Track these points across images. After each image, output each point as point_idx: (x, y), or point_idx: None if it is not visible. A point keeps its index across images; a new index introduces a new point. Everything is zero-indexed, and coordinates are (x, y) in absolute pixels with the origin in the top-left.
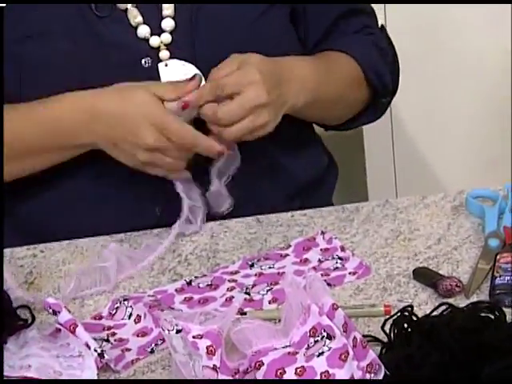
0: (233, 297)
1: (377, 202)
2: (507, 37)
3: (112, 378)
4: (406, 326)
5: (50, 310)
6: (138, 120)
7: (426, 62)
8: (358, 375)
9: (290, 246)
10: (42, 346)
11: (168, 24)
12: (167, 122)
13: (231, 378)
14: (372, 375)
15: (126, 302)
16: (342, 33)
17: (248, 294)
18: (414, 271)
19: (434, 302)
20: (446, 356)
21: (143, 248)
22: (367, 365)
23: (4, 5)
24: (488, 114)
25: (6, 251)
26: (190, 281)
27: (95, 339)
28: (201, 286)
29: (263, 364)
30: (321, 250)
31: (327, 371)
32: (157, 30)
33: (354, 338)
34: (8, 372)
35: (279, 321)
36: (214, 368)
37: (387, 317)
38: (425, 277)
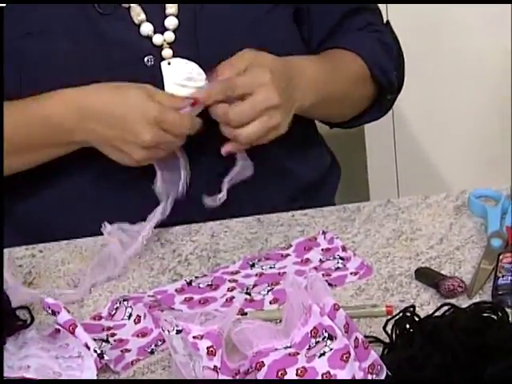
0: (233, 297)
1: (378, 201)
2: (507, 37)
3: (111, 378)
4: (407, 326)
5: (50, 311)
6: (134, 118)
7: (427, 61)
8: (359, 376)
9: (291, 245)
10: (41, 346)
11: (171, 22)
12: (163, 114)
13: (232, 379)
14: (374, 376)
15: (125, 303)
16: (346, 31)
17: (249, 294)
18: (416, 271)
19: (436, 303)
20: (448, 357)
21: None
22: (369, 366)
23: (4, 5)
24: (488, 113)
25: (5, 251)
26: (191, 281)
27: (95, 340)
28: (201, 286)
29: (264, 365)
30: (322, 249)
31: (328, 372)
32: (160, 28)
33: (356, 338)
34: (7, 373)
35: (280, 321)
36: (215, 369)
37: (389, 317)
38: (427, 277)
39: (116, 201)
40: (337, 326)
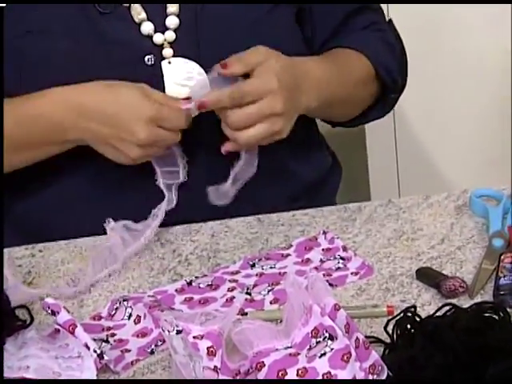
0: (234, 297)
1: (379, 201)
2: (507, 37)
3: (111, 378)
4: (409, 326)
5: (49, 311)
6: (127, 116)
7: (427, 61)
8: (360, 376)
9: (292, 245)
10: (40, 346)
11: (172, 22)
12: (158, 112)
13: (232, 379)
14: (374, 376)
15: (125, 303)
16: (350, 31)
17: (249, 294)
18: (417, 271)
19: (438, 303)
20: (449, 357)
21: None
22: (370, 366)
23: (4, 5)
24: (489, 113)
25: (4, 251)
26: (191, 281)
27: (94, 340)
28: (201, 286)
29: (264, 365)
30: (323, 249)
31: (329, 372)
32: (160, 28)
33: (357, 338)
34: (6, 373)
35: (281, 321)
36: (215, 369)
37: (390, 317)
38: (428, 277)
39: (115, 200)
40: (337, 326)
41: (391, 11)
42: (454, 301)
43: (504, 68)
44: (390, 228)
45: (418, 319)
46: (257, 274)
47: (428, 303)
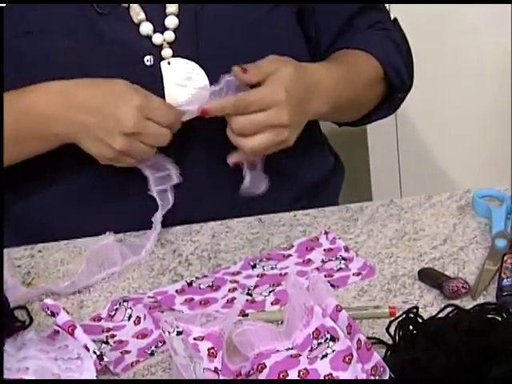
0: (234, 298)
1: (381, 201)
2: (507, 37)
3: (111, 379)
4: (411, 328)
5: (48, 312)
6: (117, 104)
7: (428, 61)
8: (362, 378)
9: (293, 246)
10: (39, 348)
11: (172, 22)
12: (147, 101)
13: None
14: (376, 378)
15: (125, 303)
16: (355, 30)
17: (250, 295)
18: (419, 272)
19: (440, 304)
20: (452, 358)
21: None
22: (371, 367)
23: (4, 5)
24: (489, 113)
25: (4, 251)
26: (191, 281)
27: (94, 341)
28: (202, 286)
29: (265, 366)
30: (324, 250)
31: (331, 374)
32: (160, 28)
33: (358, 340)
34: (5, 374)
35: (282, 322)
36: (216, 370)
37: (392, 319)
38: (430, 278)
39: (115, 201)
40: (339, 327)
41: (392, 11)
42: (456, 302)
43: (504, 68)
44: (391, 228)
45: (420, 320)
46: (258, 275)
47: (430, 304)
